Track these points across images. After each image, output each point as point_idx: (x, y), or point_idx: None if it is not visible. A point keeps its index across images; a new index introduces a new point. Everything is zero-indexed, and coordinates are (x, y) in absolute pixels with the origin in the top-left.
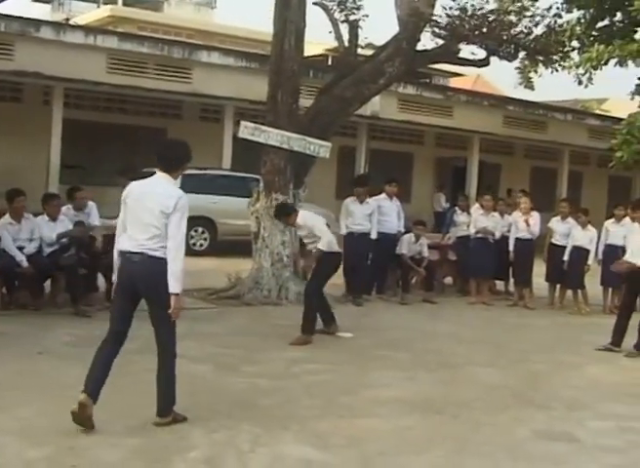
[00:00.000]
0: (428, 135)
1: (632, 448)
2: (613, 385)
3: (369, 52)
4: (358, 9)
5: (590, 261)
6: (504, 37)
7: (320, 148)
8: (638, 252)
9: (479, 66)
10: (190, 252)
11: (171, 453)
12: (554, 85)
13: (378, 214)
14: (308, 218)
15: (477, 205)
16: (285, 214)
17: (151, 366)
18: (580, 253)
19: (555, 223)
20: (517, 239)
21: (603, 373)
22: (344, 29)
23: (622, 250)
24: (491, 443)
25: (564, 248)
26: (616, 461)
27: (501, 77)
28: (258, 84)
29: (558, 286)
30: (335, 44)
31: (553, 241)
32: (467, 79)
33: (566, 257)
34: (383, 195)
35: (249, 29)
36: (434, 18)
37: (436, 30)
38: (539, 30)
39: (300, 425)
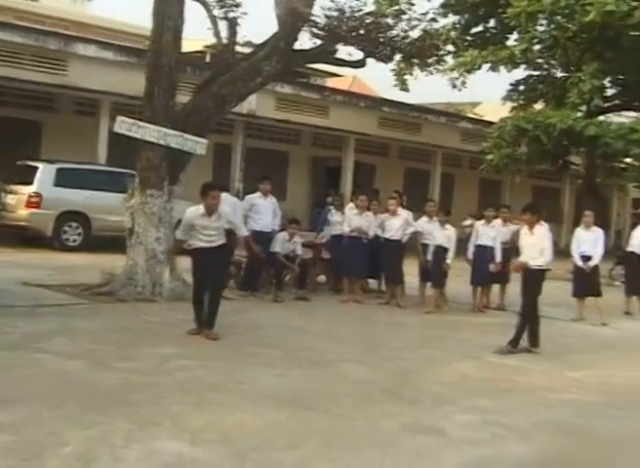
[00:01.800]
0: (304, 134)
1: (496, 441)
2: (479, 381)
3: (247, 50)
4: (237, 6)
5: (449, 260)
6: (381, 39)
7: (197, 145)
8: (530, 253)
9: (355, 67)
10: (64, 247)
11: (42, 450)
12: (429, 87)
13: (252, 212)
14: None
15: (351, 204)
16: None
17: (21, 362)
18: (440, 251)
19: (422, 223)
20: (386, 239)
21: (470, 369)
22: (223, 26)
23: (491, 250)
24: (360, 437)
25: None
26: (480, 453)
27: (378, 79)
28: (135, 78)
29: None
30: (213, 40)
31: (422, 240)
32: (344, 80)
33: (429, 257)
34: (258, 193)
35: (126, 23)
36: (313, 18)
37: (314, 31)
38: (415, 34)
39: (173, 421)
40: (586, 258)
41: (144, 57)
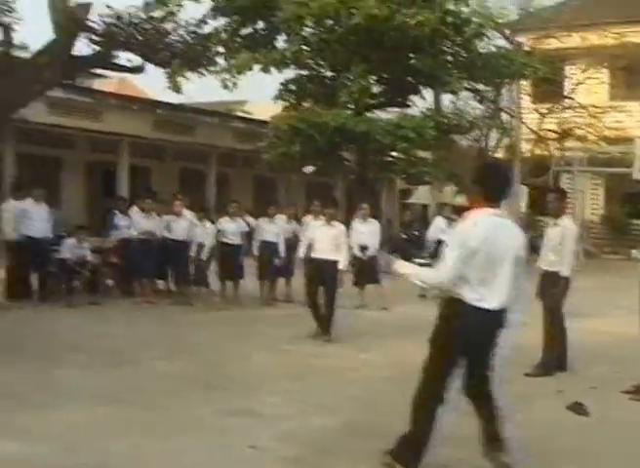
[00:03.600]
0: (78, 138)
1: (302, 415)
2: (281, 367)
3: (26, 55)
4: (11, 11)
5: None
6: (160, 45)
7: None
8: (327, 245)
9: (135, 73)
10: None
11: None
12: (200, 87)
13: (25, 218)
14: None
15: (136, 207)
16: None
17: None
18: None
19: (225, 223)
20: (173, 240)
21: (271, 358)
22: None
23: (275, 245)
24: (181, 423)
25: (233, 246)
26: (290, 426)
27: (146, 79)
28: None
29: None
30: None
31: (223, 240)
32: (112, 81)
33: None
34: (30, 200)
35: None
36: (91, 24)
37: (93, 37)
38: (190, 38)
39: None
40: (364, 249)
41: None
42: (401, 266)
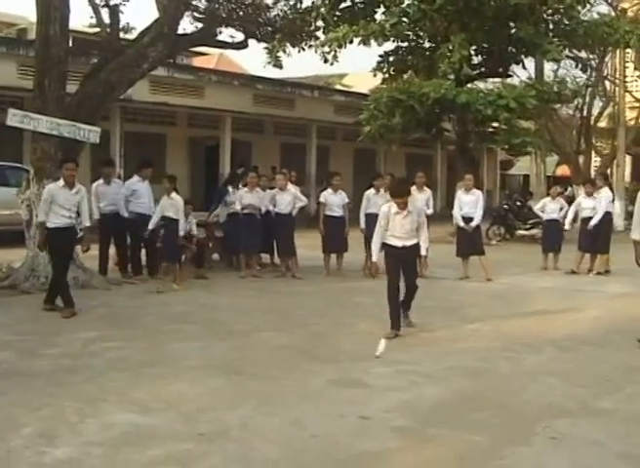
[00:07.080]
0: (180, 115)
1: (413, 387)
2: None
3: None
4: None
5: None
6: (261, 20)
7: (90, 133)
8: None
9: (238, 49)
10: None
11: (3, 433)
12: (295, 61)
13: (133, 197)
14: None
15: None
16: None
17: None
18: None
19: (329, 196)
20: (277, 214)
21: (376, 329)
22: (106, 14)
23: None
24: (292, 394)
25: (338, 218)
26: (403, 397)
27: (244, 54)
28: (3, 68)
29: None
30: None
31: (327, 213)
32: (210, 58)
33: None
34: (137, 178)
35: None
36: (194, 2)
37: (195, 14)
38: (290, 12)
39: (117, 396)
40: (468, 219)
41: (14, 46)
42: None
